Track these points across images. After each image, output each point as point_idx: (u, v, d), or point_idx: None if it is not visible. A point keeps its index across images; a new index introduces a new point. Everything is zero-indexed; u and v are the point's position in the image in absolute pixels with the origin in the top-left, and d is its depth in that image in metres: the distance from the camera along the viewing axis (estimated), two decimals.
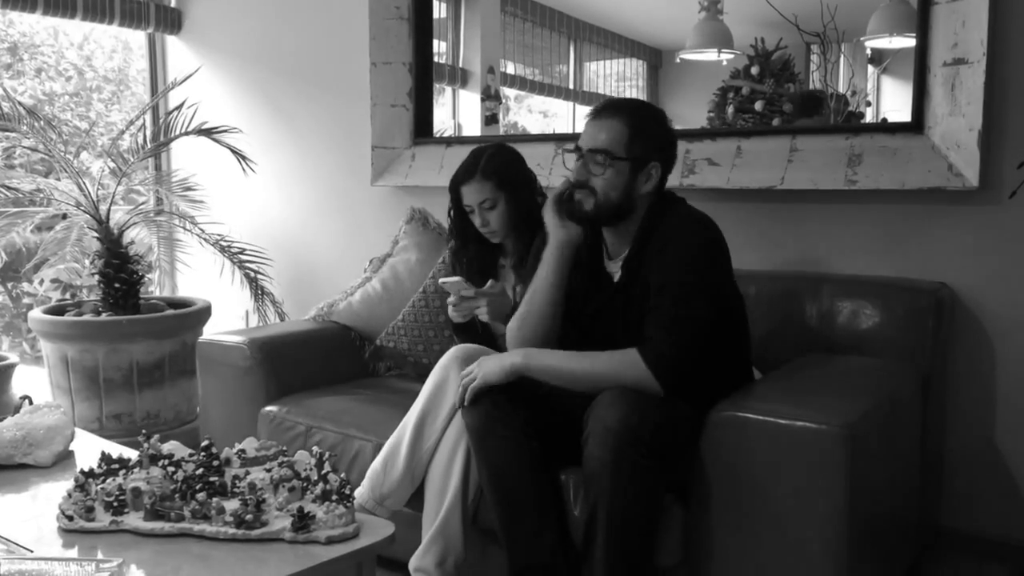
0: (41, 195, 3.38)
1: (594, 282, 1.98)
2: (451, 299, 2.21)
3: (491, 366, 1.87)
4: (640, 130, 1.85)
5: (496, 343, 2.33)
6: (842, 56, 2.97)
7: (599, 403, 1.73)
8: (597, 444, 1.69)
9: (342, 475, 1.57)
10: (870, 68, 3.09)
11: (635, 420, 1.66)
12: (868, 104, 3.02)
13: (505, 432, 1.85)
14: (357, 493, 2.02)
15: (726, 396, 1.79)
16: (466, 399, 1.89)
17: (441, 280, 2.22)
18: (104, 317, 3.13)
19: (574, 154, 1.91)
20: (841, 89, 2.98)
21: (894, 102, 2.99)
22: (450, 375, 2.03)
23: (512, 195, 2.28)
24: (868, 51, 3.06)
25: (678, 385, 1.74)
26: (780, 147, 2.45)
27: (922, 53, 2.28)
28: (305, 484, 1.55)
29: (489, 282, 2.21)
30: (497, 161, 2.28)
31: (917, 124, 2.29)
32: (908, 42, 2.45)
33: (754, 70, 2.94)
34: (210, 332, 3.00)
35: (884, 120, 2.88)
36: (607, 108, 1.89)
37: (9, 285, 4.46)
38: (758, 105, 2.86)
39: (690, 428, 1.75)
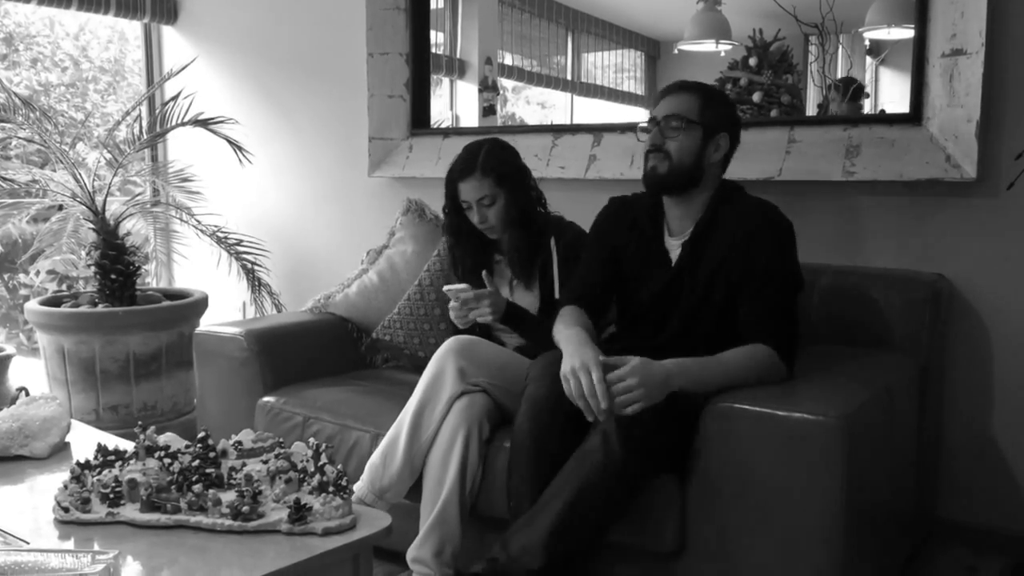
0: (37, 186, 3.37)
1: (650, 259, 2.02)
2: (452, 304, 2.19)
3: (656, 392, 1.70)
4: (711, 102, 1.96)
5: (495, 342, 2.32)
6: (840, 47, 2.97)
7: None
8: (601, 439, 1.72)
9: (339, 466, 1.57)
10: (868, 59, 3.08)
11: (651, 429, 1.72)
12: (866, 95, 3.02)
13: (571, 415, 1.79)
14: (356, 487, 2.02)
15: None
16: (626, 410, 1.69)
17: (445, 288, 2.21)
18: (100, 308, 3.13)
19: (646, 129, 2.00)
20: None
21: (892, 93, 2.99)
22: (447, 366, 2.03)
23: (511, 191, 2.27)
24: (866, 42, 3.06)
25: (793, 364, 1.86)
26: (778, 138, 2.45)
27: (920, 44, 2.27)
28: (302, 476, 1.55)
29: (465, 285, 2.18)
30: (495, 157, 2.27)
31: (915, 115, 2.29)
32: (906, 33, 2.45)
33: (752, 61, 2.93)
34: (207, 323, 2.99)
35: (882, 111, 2.88)
36: (680, 84, 2.01)
37: (5, 276, 4.45)
38: (756, 96, 2.86)
39: (693, 416, 1.77)
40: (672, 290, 1.97)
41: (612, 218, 2.13)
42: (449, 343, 2.07)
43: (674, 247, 2.01)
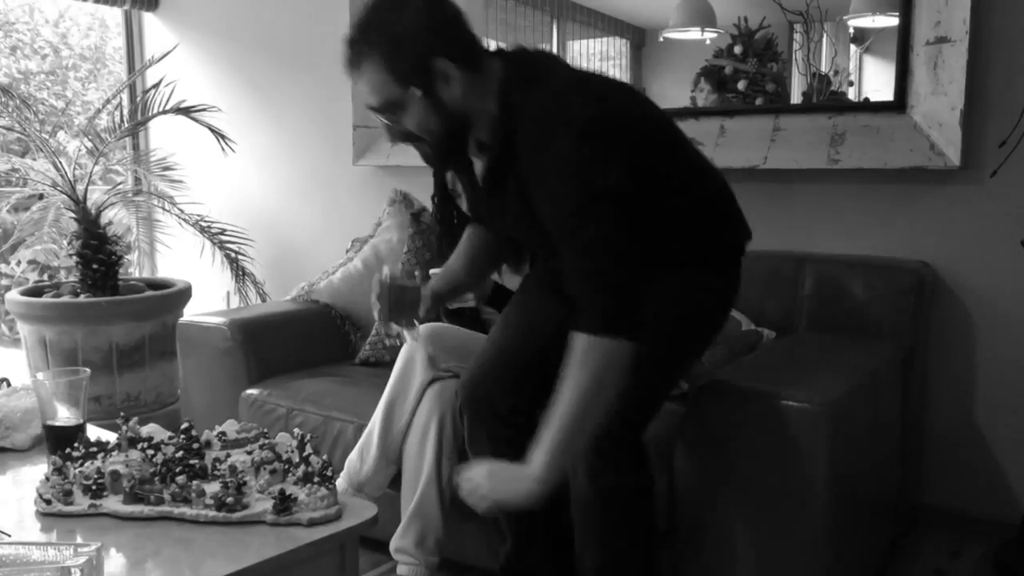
0: (17, 175, 3.33)
1: (475, 195, 1.71)
2: None
3: (509, 494, 1.43)
4: (391, 50, 1.45)
5: (484, 326, 2.32)
6: (825, 35, 2.96)
7: None
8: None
9: (324, 457, 1.56)
10: (853, 47, 3.08)
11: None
12: (851, 83, 3.02)
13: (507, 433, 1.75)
14: (336, 484, 2.01)
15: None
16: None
17: (431, 271, 2.20)
18: (82, 299, 3.10)
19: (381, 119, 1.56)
20: (824, 68, 2.97)
21: (876, 81, 2.99)
22: (416, 354, 2.03)
23: None
24: (851, 30, 3.05)
25: (636, 325, 1.38)
26: (763, 126, 2.45)
27: (905, 32, 2.28)
28: (287, 466, 1.54)
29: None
30: None
31: (899, 103, 2.29)
32: (891, 21, 2.45)
33: (737, 49, 2.92)
34: (190, 313, 2.97)
35: (866, 99, 2.88)
36: (351, 54, 1.52)
37: None
38: (741, 84, 2.85)
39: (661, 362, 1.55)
40: (519, 219, 1.54)
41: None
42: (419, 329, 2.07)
43: (480, 169, 1.61)
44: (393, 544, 1.98)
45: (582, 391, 1.38)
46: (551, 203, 1.41)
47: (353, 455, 2.06)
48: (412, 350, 2.04)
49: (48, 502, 1.47)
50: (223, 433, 1.68)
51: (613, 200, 1.37)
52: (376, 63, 1.46)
